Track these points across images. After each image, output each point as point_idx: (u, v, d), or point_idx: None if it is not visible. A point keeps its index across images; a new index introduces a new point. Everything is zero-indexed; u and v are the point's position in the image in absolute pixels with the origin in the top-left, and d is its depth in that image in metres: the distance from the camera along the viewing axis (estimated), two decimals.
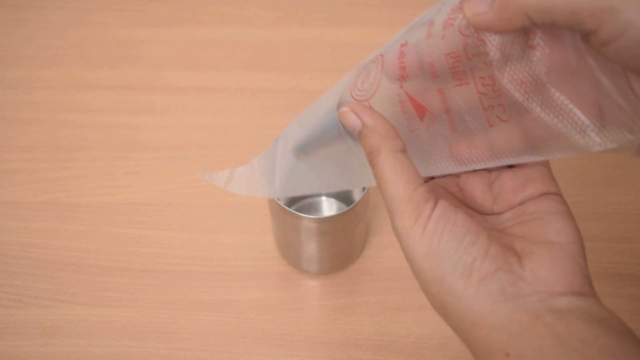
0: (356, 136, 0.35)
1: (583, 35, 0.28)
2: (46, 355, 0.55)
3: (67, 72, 0.71)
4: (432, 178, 0.38)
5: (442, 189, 0.37)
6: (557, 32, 0.29)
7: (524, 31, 0.29)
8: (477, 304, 0.31)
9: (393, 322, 0.56)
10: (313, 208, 0.62)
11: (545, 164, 0.37)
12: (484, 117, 0.33)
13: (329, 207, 0.62)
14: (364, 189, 0.52)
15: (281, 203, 0.50)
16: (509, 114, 0.32)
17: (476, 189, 0.37)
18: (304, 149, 0.39)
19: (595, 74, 0.28)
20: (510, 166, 0.37)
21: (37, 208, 0.62)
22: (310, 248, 0.54)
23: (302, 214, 0.50)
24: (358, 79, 0.38)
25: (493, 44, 0.30)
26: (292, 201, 0.62)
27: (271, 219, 0.56)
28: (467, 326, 0.32)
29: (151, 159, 0.65)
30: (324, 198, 0.62)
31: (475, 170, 0.37)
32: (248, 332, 0.56)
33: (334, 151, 0.39)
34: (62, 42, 0.73)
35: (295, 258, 0.57)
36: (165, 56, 0.72)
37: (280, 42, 0.73)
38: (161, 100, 0.69)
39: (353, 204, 0.50)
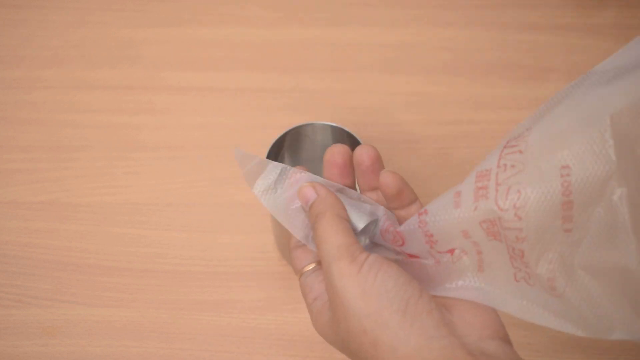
0: (307, 209, 0.39)
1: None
2: (46, 355, 0.55)
3: (67, 72, 0.71)
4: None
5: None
6: None
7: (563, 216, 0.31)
8: (412, 337, 0.33)
9: None
10: None
11: None
12: (512, 273, 0.35)
13: None
14: None
15: None
16: (534, 281, 0.34)
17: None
18: None
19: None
20: None
21: (37, 208, 0.62)
22: None
23: None
24: None
25: (529, 224, 0.31)
26: None
27: (271, 219, 0.56)
28: None
29: (151, 159, 0.65)
30: None
31: None
32: (248, 332, 0.56)
33: None
34: (62, 42, 0.73)
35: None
36: (165, 56, 0.72)
37: (280, 42, 0.73)
38: (161, 100, 0.69)
39: None
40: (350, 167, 0.42)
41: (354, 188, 0.43)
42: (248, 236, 0.60)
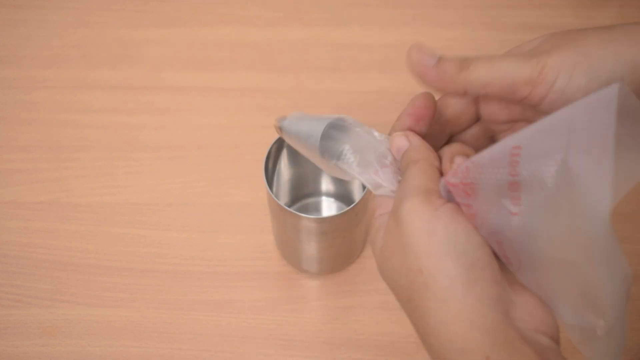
0: (398, 156, 0.37)
1: (515, 102, 0.35)
2: (46, 355, 0.55)
3: (67, 72, 0.71)
4: None
5: None
6: None
7: None
8: (470, 297, 0.31)
9: (393, 322, 0.56)
10: (313, 208, 0.62)
11: None
12: None
13: (328, 207, 0.62)
14: (364, 188, 0.52)
15: (281, 203, 0.50)
16: None
17: None
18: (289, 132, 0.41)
19: None
20: None
21: (37, 208, 0.62)
22: (310, 248, 0.54)
23: (302, 214, 0.50)
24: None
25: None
26: (292, 201, 0.62)
27: (271, 219, 0.56)
28: (448, 315, 0.31)
29: (151, 159, 0.65)
30: (323, 198, 0.62)
31: None
32: (248, 332, 0.56)
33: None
34: (62, 42, 0.73)
35: (295, 258, 0.57)
36: (165, 56, 0.72)
37: (280, 42, 0.73)
38: (161, 100, 0.69)
39: (353, 204, 0.50)
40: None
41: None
42: (248, 236, 0.60)
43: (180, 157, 0.65)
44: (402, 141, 0.38)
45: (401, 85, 0.70)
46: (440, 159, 0.37)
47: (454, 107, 0.39)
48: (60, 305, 0.57)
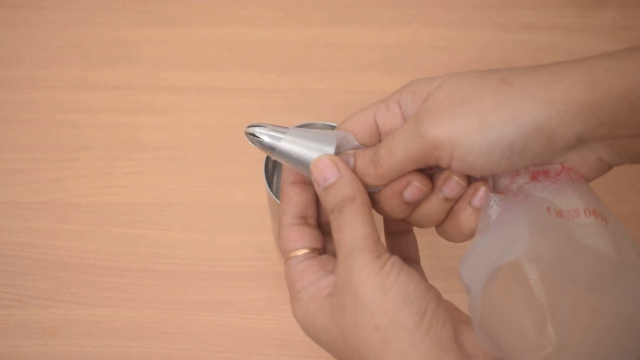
0: (324, 185, 0.36)
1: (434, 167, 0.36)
2: (46, 355, 0.55)
3: (67, 72, 0.71)
4: None
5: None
6: None
7: None
8: (426, 345, 0.32)
9: None
10: None
11: None
12: None
13: None
14: None
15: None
16: None
17: None
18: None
19: None
20: None
21: (37, 208, 0.62)
22: None
23: None
24: None
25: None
26: None
27: (271, 219, 0.56)
28: None
29: (151, 159, 0.65)
30: None
31: None
32: (248, 332, 0.56)
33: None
34: (62, 42, 0.73)
35: None
36: (165, 56, 0.72)
37: (280, 42, 0.73)
38: (161, 100, 0.69)
39: None
40: None
41: None
42: (248, 236, 0.60)
43: (180, 157, 0.65)
44: (331, 170, 0.36)
45: (401, 85, 0.70)
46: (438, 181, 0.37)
47: None
48: (60, 305, 0.57)
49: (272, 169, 0.55)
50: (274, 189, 0.56)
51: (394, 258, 0.34)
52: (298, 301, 0.37)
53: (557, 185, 0.35)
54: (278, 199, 0.50)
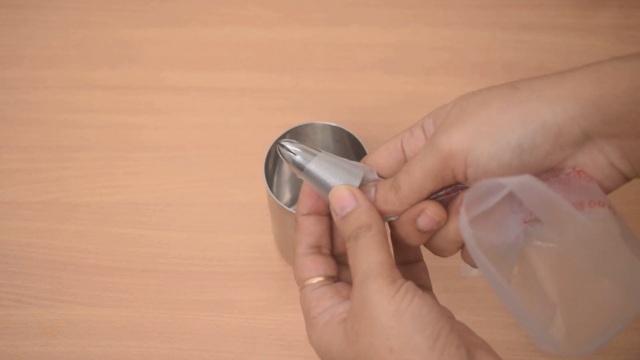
0: (341, 214, 0.37)
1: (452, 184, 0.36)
2: (46, 355, 0.55)
3: (67, 72, 0.71)
4: None
5: None
6: None
7: None
8: None
9: None
10: None
11: None
12: None
13: None
14: None
15: (281, 203, 0.50)
16: None
17: None
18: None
19: None
20: None
21: (37, 208, 0.62)
22: None
23: None
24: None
25: None
26: (292, 201, 0.62)
27: (271, 219, 0.56)
28: None
29: (151, 159, 0.65)
30: None
31: None
32: (248, 332, 0.56)
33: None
34: (62, 42, 0.73)
35: None
36: (165, 56, 0.72)
37: (280, 42, 0.73)
38: (161, 100, 0.69)
39: None
40: None
41: None
42: (248, 236, 0.60)
43: (180, 157, 0.65)
44: (348, 199, 0.37)
45: (401, 85, 0.70)
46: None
47: None
48: (60, 305, 0.57)
49: (272, 169, 0.55)
50: (274, 189, 0.56)
51: (409, 283, 0.35)
52: (314, 327, 0.38)
53: (564, 184, 0.35)
54: (278, 199, 0.51)
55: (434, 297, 0.40)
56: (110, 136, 0.66)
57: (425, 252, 0.42)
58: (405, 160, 0.40)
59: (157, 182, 0.64)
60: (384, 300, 0.34)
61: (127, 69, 0.71)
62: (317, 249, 0.39)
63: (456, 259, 0.60)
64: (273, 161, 0.54)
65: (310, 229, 0.40)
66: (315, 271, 0.39)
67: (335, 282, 0.39)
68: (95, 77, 0.70)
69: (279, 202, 0.50)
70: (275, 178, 0.57)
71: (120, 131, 0.67)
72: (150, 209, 0.62)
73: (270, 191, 0.50)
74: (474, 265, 0.38)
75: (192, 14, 0.75)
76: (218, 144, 0.66)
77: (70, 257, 0.59)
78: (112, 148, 0.66)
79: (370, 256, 0.35)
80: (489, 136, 0.33)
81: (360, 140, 0.54)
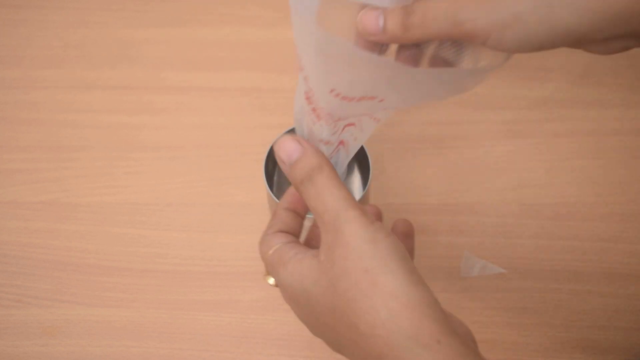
0: (289, 162, 0.38)
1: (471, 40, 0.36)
2: (46, 355, 0.55)
3: (67, 72, 0.71)
4: None
5: None
6: None
7: None
8: (417, 292, 0.33)
9: None
10: None
11: None
12: None
13: None
14: (364, 187, 0.52)
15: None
16: None
17: None
18: None
19: None
20: None
21: (37, 208, 0.62)
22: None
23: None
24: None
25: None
26: None
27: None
28: (398, 307, 0.33)
29: (151, 159, 0.65)
30: None
31: None
32: (248, 332, 0.56)
33: None
34: (62, 42, 0.73)
35: None
36: (165, 56, 0.72)
37: (280, 42, 0.73)
38: (161, 100, 0.69)
39: None
40: None
41: None
42: (248, 236, 0.60)
43: (180, 157, 0.65)
44: (294, 146, 0.38)
45: None
46: None
47: None
48: (60, 305, 0.57)
49: (272, 169, 0.55)
50: (274, 189, 0.56)
51: (380, 223, 0.35)
52: (285, 265, 0.38)
53: None
54: (278, 199, 0.50)
55: None
56: (110, 136, 0.66)
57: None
58: None
59: (157, 182, 0.64)
60: (360, 228, 0.34)
61: (127, 69, 0.71)
62: (286, 235, 0.40)
63: (456, 259, 0.60)
64: (273, 161, 0.54)
65: (285, 220, 0.41)
66: (280, 239, 0.40)
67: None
68: (95, 77, 0.70)
69: (278, 202, 0.50)
70: (275, 178, 0.57)
71: (120, 131, 0.67)
72: (150, 209, 0.62)
73: (270, 191, 0.50)
74: None
75: (192, 14, 0.75)
76: (218, 144, 0.66)
77: (70, 257, 0.59)
78: (112, 148, 0.66)
79: (333, 194, 0.35)
80: (513, 31, 0.34)
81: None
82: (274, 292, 0.58)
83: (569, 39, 0.34)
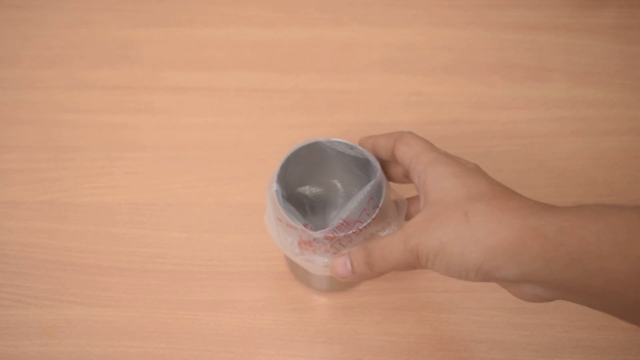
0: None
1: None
2: (46, 355, 0.55)
3: (67, 72, 0.71)
4: None
5: None
6: None
7: None
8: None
9: (393, 322, 0.56)
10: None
11: None
12: None
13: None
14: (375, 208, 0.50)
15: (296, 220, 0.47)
16: None
17: None
18: None
19: None
20: None
21: (37, 208, 0.62)
22: (322, 279, 0.54)
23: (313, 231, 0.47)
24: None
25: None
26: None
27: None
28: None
29: (151, 159, 0.65)
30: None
31: None
32: (248, 332, 0.56)
33: None
34: (62, 42, 0.73)
35: (307, 280, 0.57)
36: (165, 56, 0.72)
37: (280, 42, 0.73)
38: (161, 100, 0.69)
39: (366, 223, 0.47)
40: None
41: None
42: (248, 236, 0.60)
43: (180, 157, 0.65)
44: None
45: (401, 84, 0.70)
46: None
47: None
48: (60, 305, 0.57)
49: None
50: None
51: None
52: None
53: None
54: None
55: None
56: (110, 136, 0.66)
57: None
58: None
59: (157, 182, 0.64)
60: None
61: (127, 69, 0.71)
62: None
63: None
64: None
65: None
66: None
67: None
68: (95, 77, 0.70)
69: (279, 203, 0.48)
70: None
71: (120, 131, 0.67)
72: (150, 209, 0.62)
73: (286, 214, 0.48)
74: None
75: (192, 14, 0.75)
76: (218, 144, 0.66)
77: (70, 257, 0.59)
78: (112, 148, 0.66)
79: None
80: (442, 258, 0.40)
81: (368, 153, 0.50)
82: (274, 292, 0.58)
83: (480, 273, 0.39)
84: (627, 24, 0.74)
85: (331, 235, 0.45)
